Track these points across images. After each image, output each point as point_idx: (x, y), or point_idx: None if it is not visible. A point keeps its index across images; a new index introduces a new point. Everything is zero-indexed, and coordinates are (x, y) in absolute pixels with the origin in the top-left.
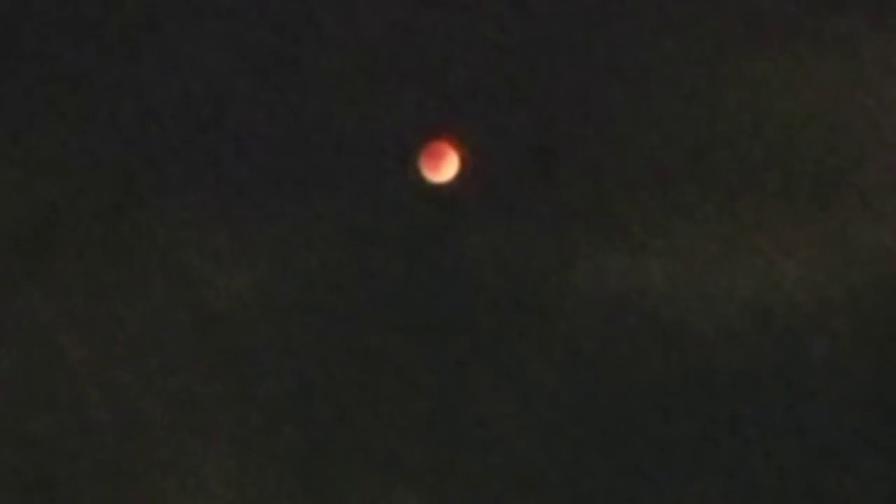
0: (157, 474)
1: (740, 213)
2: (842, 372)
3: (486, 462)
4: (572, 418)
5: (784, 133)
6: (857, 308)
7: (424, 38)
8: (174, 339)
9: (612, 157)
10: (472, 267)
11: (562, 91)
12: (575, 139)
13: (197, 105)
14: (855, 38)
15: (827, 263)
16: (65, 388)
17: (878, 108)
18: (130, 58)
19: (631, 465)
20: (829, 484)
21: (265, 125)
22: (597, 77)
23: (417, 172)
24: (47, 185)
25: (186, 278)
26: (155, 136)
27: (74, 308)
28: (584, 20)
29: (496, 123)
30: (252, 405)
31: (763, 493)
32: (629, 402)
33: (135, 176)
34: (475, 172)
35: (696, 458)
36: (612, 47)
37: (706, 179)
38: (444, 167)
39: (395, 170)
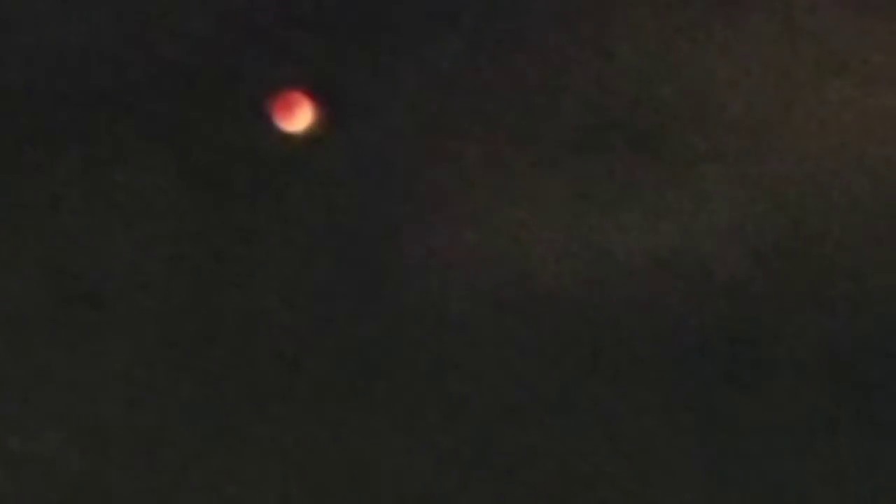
0: None
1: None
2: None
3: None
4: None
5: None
6: (786, 257)
7: None
8: None
9: (471, 118)
10: (323, 215)
11: (409, 42)
12: (422, 93)
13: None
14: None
15: (752, 213)
16: None
17: (791, 62)
18: None
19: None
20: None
21: (119, 74)
22: (438, 29)
23: (270, 122)
24: None
25: None
26: None
27: None
28: None
29: (350, 74)
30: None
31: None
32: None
33: None
34: (327, 122)
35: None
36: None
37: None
38: (297, 117)
39: (247, 119)
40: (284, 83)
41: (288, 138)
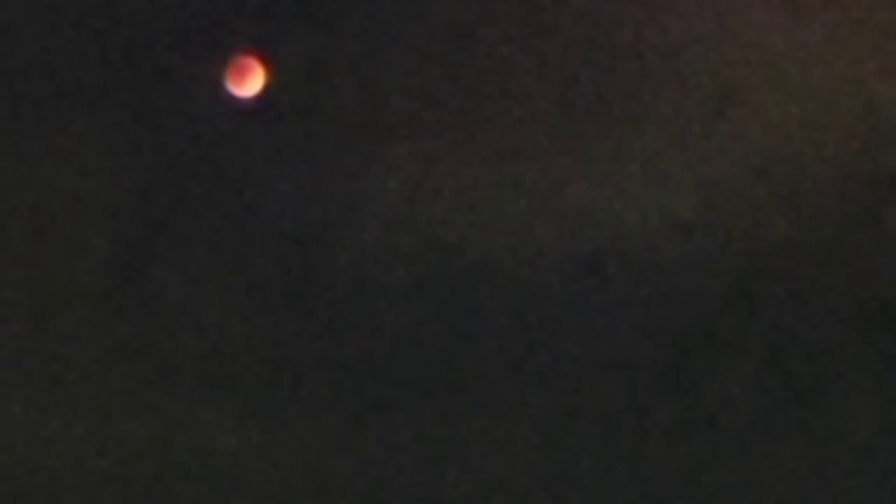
0: None
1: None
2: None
3: None
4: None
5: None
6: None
7: None
8: None
9: (430, 75)
10: (277, 179)
11: (366, 7)
12: (383, 58)
13: None
14: None
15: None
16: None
17: (760, 29)
18: None
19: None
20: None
21: (63, 40)
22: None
23: (223, 87)
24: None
25: None
26: None
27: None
28: None
29: (301, 39)
30: None
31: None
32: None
33: None
34: (279, 87)
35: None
36: None
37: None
38: (248, 82)
39: (201, 84)
40: (236, 49)
41: (239, 103)
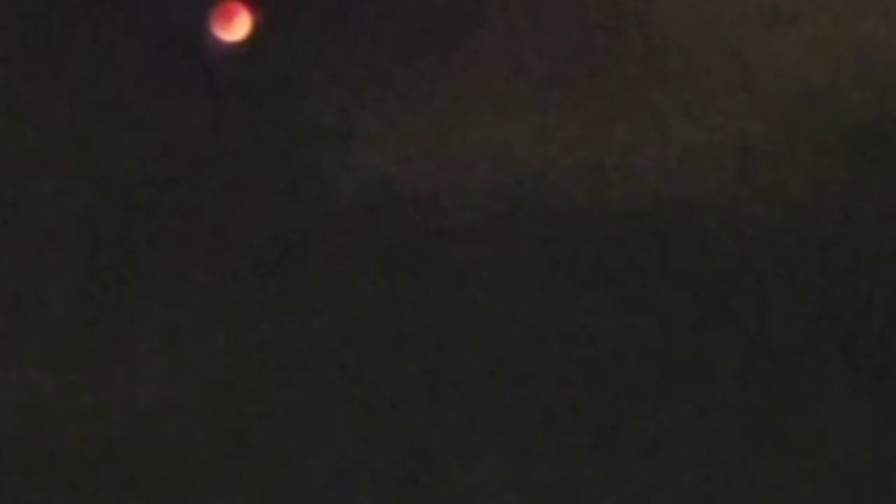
0: None
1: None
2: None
3: None
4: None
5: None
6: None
7: None
8: None
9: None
10: (262, 120)
11: None
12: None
13: None
14: None
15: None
16: None
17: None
18: None
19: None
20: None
21: None
22: None
23: (209, 31)
24: None
25: None
26: None
27: None
28: None
29: None
30: None
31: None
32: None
33: None
34: (267, 31)
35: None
36: None
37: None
38: (235, 26)
39: (186, 29)
40: None
41: (225, 46)
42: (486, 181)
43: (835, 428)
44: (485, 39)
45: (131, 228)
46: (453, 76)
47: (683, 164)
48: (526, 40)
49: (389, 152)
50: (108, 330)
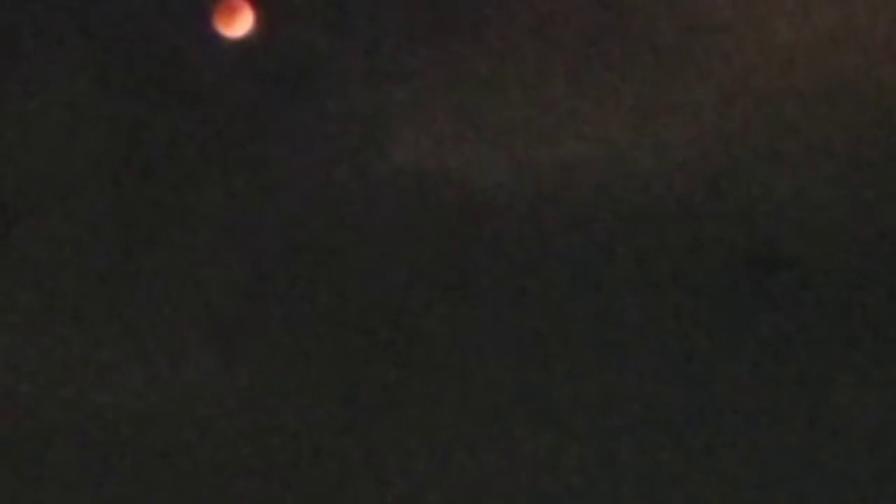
0: None
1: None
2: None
3: None
4: None
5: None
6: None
7: None
8: None
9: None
10: (267, 115)
11: None
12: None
13: None
14: None
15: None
16: None
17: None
18: None
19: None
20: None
21: None
22: None
23: (212, 28)
24: None
25: None
26: None
27: None
28: None
29: None
30: None
31: None
32: None
33: None
34: (268, 28)
35: None
36: None
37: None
38: (238, 23)
39: (189, 25)
40: None
41: (228, 43)
42: (516, 162)
43: (865, 410)
44: (517, 22)
45: (147, 216)
46: (485, 58)
47: (716, 142)
48: (559, 22)
49: (421, 134)
50: (114, 328)
